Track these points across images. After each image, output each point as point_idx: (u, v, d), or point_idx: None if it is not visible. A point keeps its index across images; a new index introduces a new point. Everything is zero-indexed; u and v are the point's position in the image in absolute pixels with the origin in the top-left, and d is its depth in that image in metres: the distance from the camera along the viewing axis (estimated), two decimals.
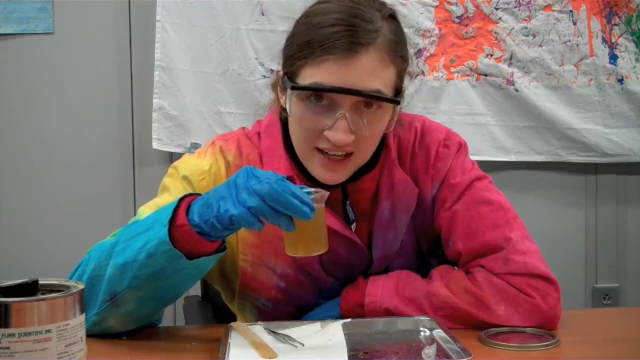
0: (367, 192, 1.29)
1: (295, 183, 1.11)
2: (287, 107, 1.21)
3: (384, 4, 1.23)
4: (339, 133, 1.16)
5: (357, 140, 1.18)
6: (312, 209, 1.04)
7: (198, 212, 1.07)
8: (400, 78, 1.22)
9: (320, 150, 1.21)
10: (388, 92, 1.18)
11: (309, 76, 1.17)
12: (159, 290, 1.13)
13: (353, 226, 1.30)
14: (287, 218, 1.04)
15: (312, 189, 1.08)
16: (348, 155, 1.20)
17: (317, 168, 1.22)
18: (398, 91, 1.22)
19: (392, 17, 1.22)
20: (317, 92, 1.17)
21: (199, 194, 1.12)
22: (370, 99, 1.17)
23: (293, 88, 1.18)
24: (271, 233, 1.27)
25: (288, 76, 1.20)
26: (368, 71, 1.15)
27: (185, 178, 1.27)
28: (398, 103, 1.21)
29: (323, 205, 1.09)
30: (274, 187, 1.02)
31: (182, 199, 1.10)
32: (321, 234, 1.08)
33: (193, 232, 1.06)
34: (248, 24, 2.43)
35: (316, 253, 1.09)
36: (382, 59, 1.17)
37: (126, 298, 1.12)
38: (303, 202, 1.03)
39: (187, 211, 1.08)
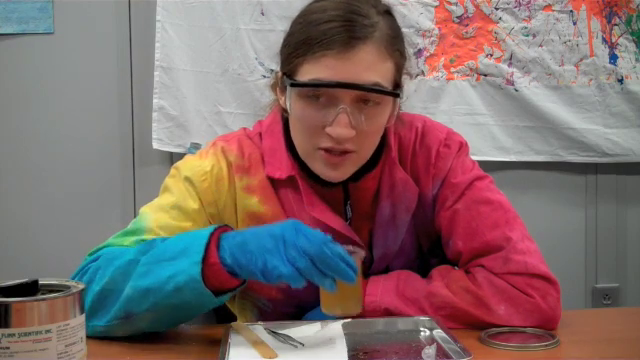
0: (368, 192, 1.30)
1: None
2: (287, 106, 1.21)
3: (379, 0, 1.23)
4: (340, 127, 1.16)
5: (358, 136, 1.18)
6: (355, 272, 1.04)
7: (231, 252, 1.06)
8: (399, 72, 1.23)
9: (322, 149, 1.20)
10: (387, 85, 1.19)
11: (308, 72, 1.17)
12: (177, 316, 1.14)
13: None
14: (331, 279, 1.04)
15: (351, 247, 1.09)
16: (349, 152, 1.20)
17: (320, 166, 1.22)
18: (397, 85, 1.23)
19: (387, 13, 1.23)
20: (316, 88, 1.17)
21: (228, 225, 1.13)
22: (369, 92, 1.17)
23: (292, 85, 1.18)
24: None
25: (287, 75, 1.21)
26: (366, 65, 1.16)
27: (187, 179, 1.28)
28: (397, 96, 1.21)
29: (361, 265, 1.09)
30: (324, 250, 1.02)
31: (212, 232, 1.09)
32: (358, 294, 1.09)
33: (224, 271, 1.07)
34: (248, 24, 2.43)
35: (353, 313, 1.10)
36: (380, 52, 1.17)
37: (141, 318, 1.12)
38: (349, 266, 1.04)
39: (217, 245, 1.08)
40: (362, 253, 1.10)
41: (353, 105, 1.17)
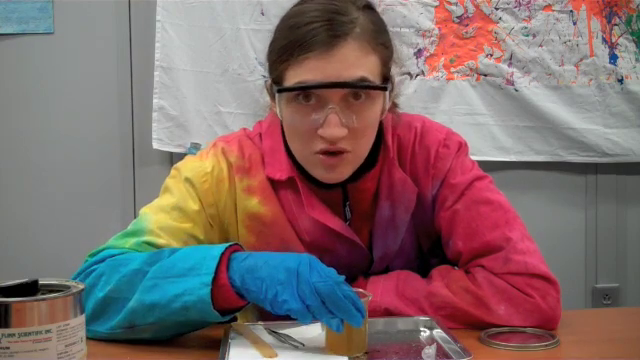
0: (368, 192, 1.29)
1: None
2: (278, 113, 1.21)
3: None
4: (331, 128, 1.16)
5: (352, 134, 1.18)
6: (364, 316, 1.04)
7: (240, 275, 1.06)
8: (386, 66, 1.21)
9: (319, 153, 1.20)
10: (374, 79, 1.18)
11: (293, 77, 1.16)
12: (181, 329, 1.14)
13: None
14: (339, 320, 1.04)
15: (361, 290, 1.09)
16: (345, 152, 1.20)
17: (319, 171, 1.22)
18: (386, 79, 1.22)
19: (368, 7, 1.22)
20: (303, 91, 1.16)
21: (238, 243, 1.13)
22: (355, 89, 1.16)
23: (279, 91, 1.18)
24: (271, 235, 1.27)
25: (275, 82, 1.20)
26: (350, 61, 1.15)
27: (187, 180, 1.28)
28: (384, 89, 1.20)
29: (367, 308, 1.09)
30: (336, 291, 1.02)
31: (223, 252, 1.08)
32: (363, 337, 1.08)
33: (233, 292, 1.07)
34: (248, 24, 2.43)
35: (357, 354, 1.08)
36: (362, 48, 1.16)
37: (145, 329, 1.12)
38: (358, 309, 1.03)
39: (227, 265, 1.07)
40: (370, 297, 1.10)
41: (342, 104, 1.17)
